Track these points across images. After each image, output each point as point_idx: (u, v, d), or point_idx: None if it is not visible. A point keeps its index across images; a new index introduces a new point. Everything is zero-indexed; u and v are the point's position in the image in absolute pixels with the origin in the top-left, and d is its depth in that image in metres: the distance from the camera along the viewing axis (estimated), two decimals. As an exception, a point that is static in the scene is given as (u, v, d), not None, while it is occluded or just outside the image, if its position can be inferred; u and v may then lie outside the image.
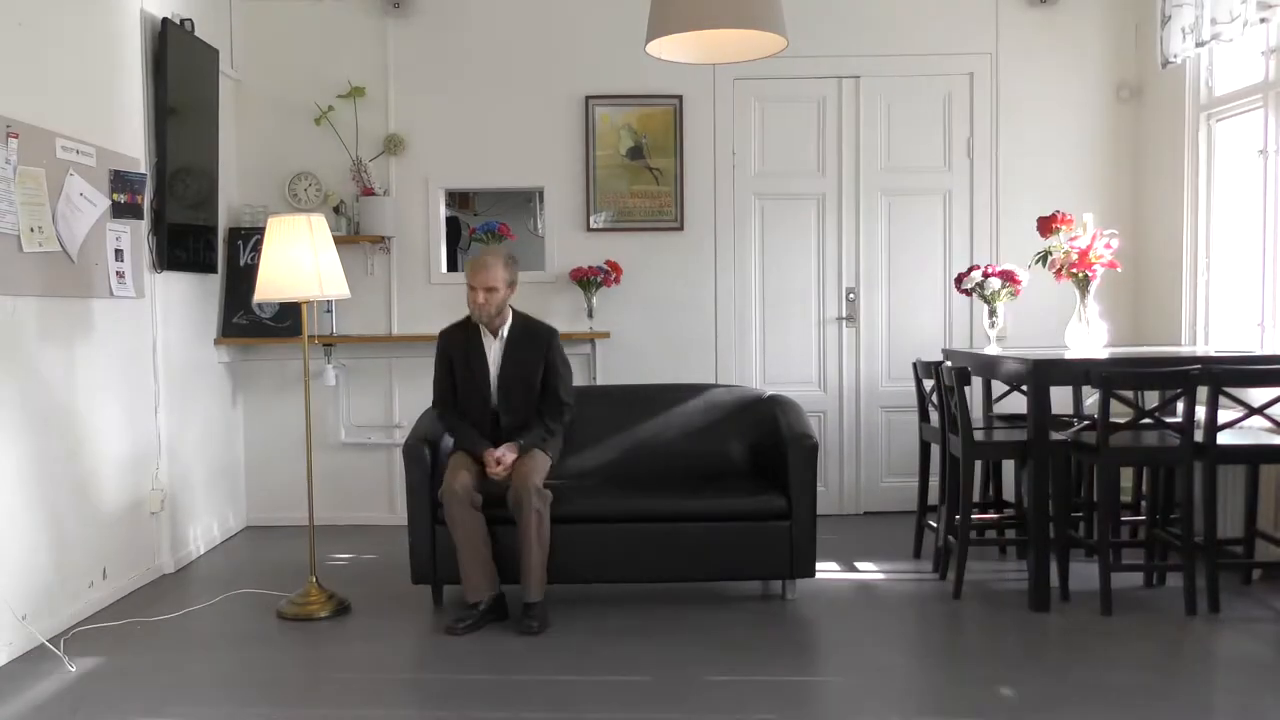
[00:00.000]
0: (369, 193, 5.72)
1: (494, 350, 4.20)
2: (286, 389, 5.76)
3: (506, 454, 4.07)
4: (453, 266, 6.35)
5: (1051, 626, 4.00)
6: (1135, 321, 5.78)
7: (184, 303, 5.18)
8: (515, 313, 4.24)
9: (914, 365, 5.05)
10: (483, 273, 4.03)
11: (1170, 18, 5.09)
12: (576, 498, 4.26)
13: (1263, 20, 4.46)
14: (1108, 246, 4.59)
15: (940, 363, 4.72)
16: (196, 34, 5.07)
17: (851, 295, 5.92)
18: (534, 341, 4.21)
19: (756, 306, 5.93)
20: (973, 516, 4.61)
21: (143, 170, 4.70)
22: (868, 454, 5.98)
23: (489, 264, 4.03)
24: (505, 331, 4.19)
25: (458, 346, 4.22)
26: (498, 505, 4.05)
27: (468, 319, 4.23)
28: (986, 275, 4.85)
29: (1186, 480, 4.07)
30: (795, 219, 5.90)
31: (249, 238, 5.62)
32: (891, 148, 5.88)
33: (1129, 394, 4.42)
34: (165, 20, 4.80)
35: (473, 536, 4.01)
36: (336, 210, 5.73)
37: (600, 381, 5.72)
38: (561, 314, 5.77)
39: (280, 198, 5.79)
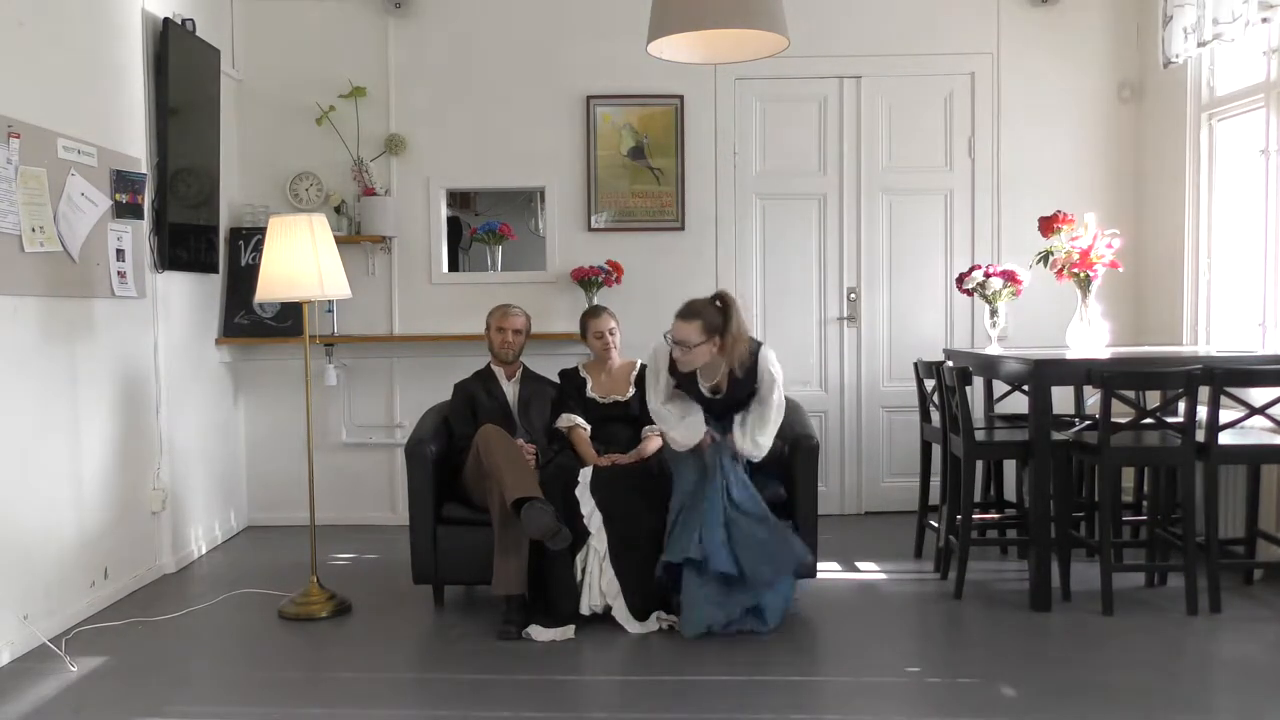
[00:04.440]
0: (370, 193, 5.72)
1: (510, 387, 4.52)
2: (287, 389, 5.76)
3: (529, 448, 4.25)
4: (454, 266, 6.35)
5: (1053, 626, 4.00)
6: (1136, 321, 5.77)
7: (185, 303, 5.18)
8: (524, 365, 4.64)
9: (915, 365, 5.04)
10: (510, 318, 4.53)
11: (1172, 18, 5.08)
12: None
13: (1264, 20, 4.45)
14: (1109, 246, 4.59)
15: (941, 363, 4.72)
16: (198, 34, 5.07)
17: (853, 295, 5.92)
18: (542, 382, 4.60)
19: (757, 306, 5.92)
20: (974, 516, 4.60)
21: (144, 170, 4.71)
22: (869, 454, 5.97)
23: (515, 312, 4.57)
24: (519, 375, 4.58)
25: (478, 386, 4.51)
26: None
27: (478, 371, 4.61)
28: (988, 275, 4.84)
29: (1188, 480, 4.06)
30: (796, 219, 5.90)
31: (250, 238, 5.62)
32: (893, 147, 5.87)
33: (1130, 394, 4.43)
34: (166, 20, 4.81)
35: (517, 457, 4.00)
36: (338, 210, 5.73)
37: (601, 381, 5.72)
38: (562, 314, 5.77)
39: (281, 197, 5.79)
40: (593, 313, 4.58)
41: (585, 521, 3.96)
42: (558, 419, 4.39)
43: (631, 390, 4.46)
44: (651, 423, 4.28)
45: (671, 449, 4.10)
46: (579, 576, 3.96)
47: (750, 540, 3.81)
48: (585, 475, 4.07)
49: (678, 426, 4.03)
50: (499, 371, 4.52)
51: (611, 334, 4.49)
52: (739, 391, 4.04)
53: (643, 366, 4.50)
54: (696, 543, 3.78)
